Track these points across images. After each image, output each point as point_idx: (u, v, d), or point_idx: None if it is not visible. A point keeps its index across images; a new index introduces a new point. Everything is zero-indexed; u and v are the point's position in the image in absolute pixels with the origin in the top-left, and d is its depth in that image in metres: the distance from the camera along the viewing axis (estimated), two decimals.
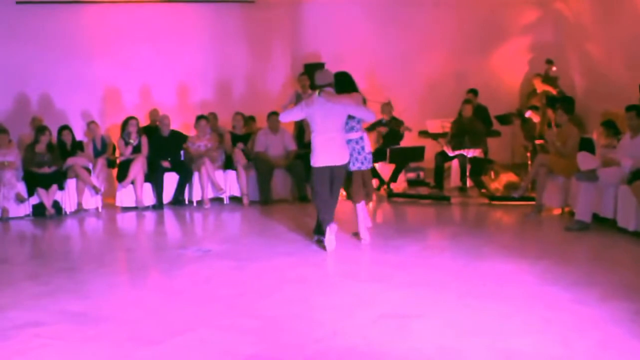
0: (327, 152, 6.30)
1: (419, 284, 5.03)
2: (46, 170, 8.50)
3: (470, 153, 9.35)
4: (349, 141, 6.47)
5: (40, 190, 8.40)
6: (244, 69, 10.99)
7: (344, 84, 6.47)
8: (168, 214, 8.70)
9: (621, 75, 9.75)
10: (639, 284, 4.91)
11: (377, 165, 9.76)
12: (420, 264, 5.65)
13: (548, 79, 10.69)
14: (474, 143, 9.36)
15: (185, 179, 9.10)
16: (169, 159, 9.17)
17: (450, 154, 9.48)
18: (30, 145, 8.69)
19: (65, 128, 9.15)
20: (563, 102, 8.88)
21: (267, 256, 6.08)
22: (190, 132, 9.69)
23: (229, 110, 10.06)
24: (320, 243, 6.39)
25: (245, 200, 9.06)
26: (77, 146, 9.14)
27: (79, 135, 9.58)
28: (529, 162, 9.23)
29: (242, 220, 8.36)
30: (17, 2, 10.04)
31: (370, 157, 6.68)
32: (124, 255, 6.63)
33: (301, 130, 9.74)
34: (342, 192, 6.90)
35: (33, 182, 8.42)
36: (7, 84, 9.94)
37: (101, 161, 9.21)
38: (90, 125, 9.50)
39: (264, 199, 9.05)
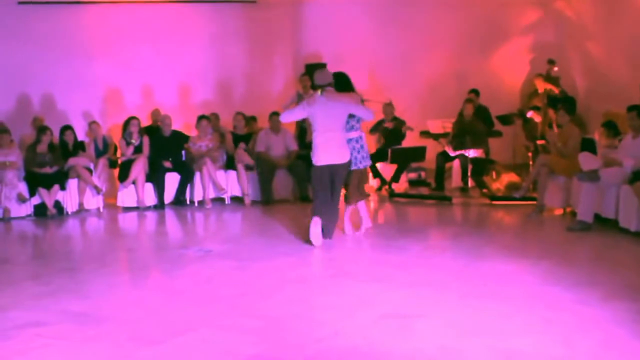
0: (327, 151, 6.37)
1: (420, 284, 5.02)
2: (48, 170, 8.51)
3: (471, 153, 9.35)
4: (349, 140, 6.54)
5: (42, 191, 8.40)
6: (245, 69, 10.98)
7: (342, 84, 6.57)
8: (169, 214, 8.70)
9: (623, 76, 9.74)
10: None
11: (378, 165, 9.79)
12: (422, 264, 5.65)
13: (550, 79, 10.68)
14: (475, 143, 9.36)
15: (186, 179, 9.11)
16: (171, 159, 9.17)
17: (452, 154, 9.48)
18: (32, 146, 8.70)
19: (67, 128, 9.15)
20: (564, 103, 8.87)
21: (269, 256, 6.08)
22: (192, 132, 9.69)
23: (230, 111, 10.05)
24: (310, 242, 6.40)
25: (247, 200, 9.06)
26: (79, 146, 9.15)
27: (81, 136, 9.58)
28: (531, 163, 9.22)
29: (243, 220, 8.36)
30: (19, 3, 10.04)
31: (367, 155, 6.76)
32: (125, 255, 6.64)
33: (302, 130, 9.74)
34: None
35: (34, 182, 8.42)
36: (9, 84, 9.94)
37: (102, 161, 9.21)
38: (92, 125, 9.50)
39: (265, 199, 9.05)
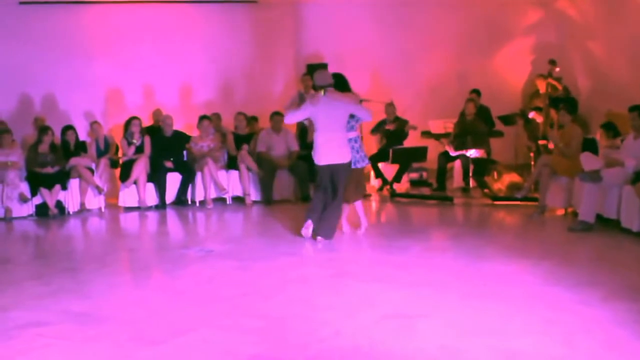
0: (328, 151, 6.42)
1: (421, 284, 5.02)
2: (49, 170, 8.52)
3: (472, 153, 9.34)
4: (348, 140, 6.60)
5: (44, 190, 8.41)
6: (247, 69, 10.98)
7: (340, 84, 6.67)
8: (171, 214, 8.70)
9: (624, 75, 9.72)
10: None
11: (380, 165, 9.79)
12: (423, 264, 5.65)
13: (552, 79, 10.65)
14: (476, 143, 9.36)
15: (188, 179, 9.11)
16: (172, 159, 9.18)
17: (452, 153, 9.48)
18: (33, 146, 8.70)
19: (69, 128, 9.16)
20: (566, 103, 8.86)
21: (270, 256, 6.08)
22: (193, 132, 9.69)
23: (231, 111, 10.05)
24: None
25: (248, 200, 9.06)
26: (80, 146, 9.16)
27: (82, 136, 9.59)
28: (532, 163, 9.21)
29: (244, 220, 8.36)
30: (20, 3, 10.06)
31: (365, 155, 6.88)
32: (126, 255, 6.64)
33: (304, 130, 9.74)
34: None
35: (36, 182, 8.43)
36: (11, 85, 9.95)
37: (104, 161, 9.21)
38: (93, 125, 9.51)
39: (266, 199, 9.05)
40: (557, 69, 10.40)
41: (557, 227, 7.29)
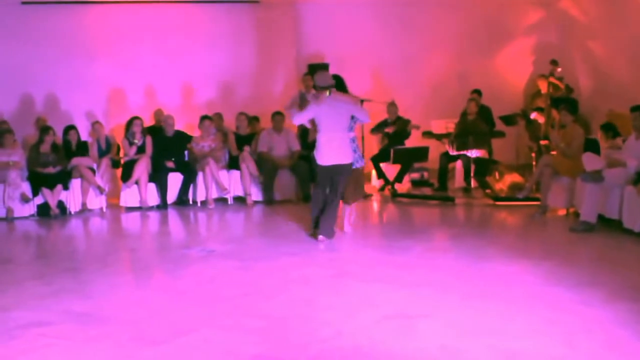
0: (330, 151, 6.45)
1: (423, 285, 5.02)
2: (51, 170, 8.52)
3: (474, 153, 9.34)
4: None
5: (45, 190, 8.42)
6: (248, 69, 10.98)
7: (338, 86, 6.75)
8: (172, 214, 8.71)
9: (626, 75, 9.72)
10: None
11: (382, 165, 9.79)
12: (424, 265, 5.65)
13: (554, 78, 10.65)
14: (477, 143, 9.36)
15: (189, 179, 9.12)
16: (173, 159, 9.18)
17: (453, 153, 9.47)
18: (35, 146, 8.71)
19: (71, 128, 9.17)
20: (567, 103, 8.86)
21: (271, 256, 6.08)
22: (195, 132, 9.70)
23: (232, 111, 10.05)
24: (314, 235, 6.64)
25: (249, 201, 9.07)
26: (82, 146, 9.16)
27: (84, 136, 9.60)
28: (534, 163, 9.21)
29: (246, 220, 8.37)
30: (23, 3, 10.07)
31: (361, 155, 6.98)
32: (127, 255, 6.65)
33: (305, 130, 9.74)
34: None
35: (38, 182, 8.44)
36: (12, 85, 9.96)
37: (105, 161, 9.22)
38: (95, 125, 9.52)
39: (267, 199, 9.05)
40: (559, 69, 10.39)
41: (559, 227, 7.29)
